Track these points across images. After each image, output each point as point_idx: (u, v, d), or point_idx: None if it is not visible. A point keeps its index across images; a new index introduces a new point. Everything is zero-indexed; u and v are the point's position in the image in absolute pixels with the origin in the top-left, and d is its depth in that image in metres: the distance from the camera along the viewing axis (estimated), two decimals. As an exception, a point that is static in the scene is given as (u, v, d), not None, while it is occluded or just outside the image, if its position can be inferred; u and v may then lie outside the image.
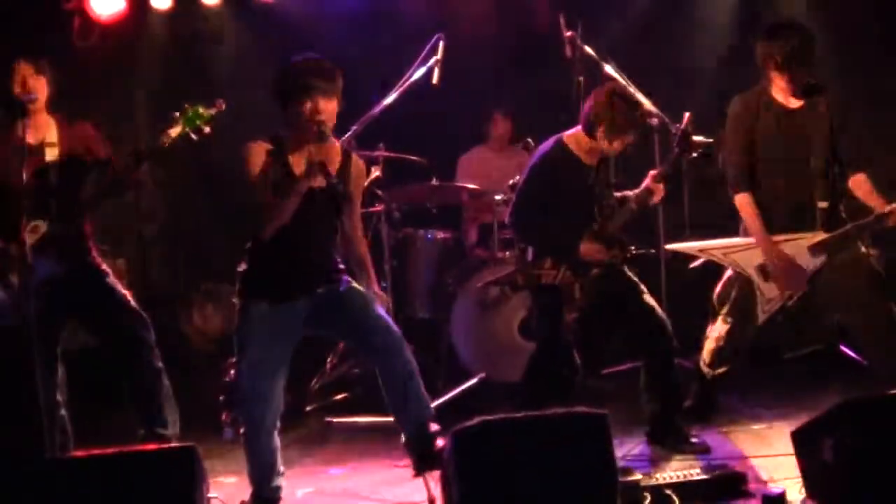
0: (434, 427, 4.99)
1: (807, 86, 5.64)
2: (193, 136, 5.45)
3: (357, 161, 5.24)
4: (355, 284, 5.15)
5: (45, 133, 5.59)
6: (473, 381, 7.10)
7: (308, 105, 4.89)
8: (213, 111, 5.45)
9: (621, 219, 5.66)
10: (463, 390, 7.06)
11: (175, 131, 5.42)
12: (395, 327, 5.06)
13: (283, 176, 4.93)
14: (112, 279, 5.70)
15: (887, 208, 5.52)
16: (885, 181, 5.72)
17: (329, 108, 4.95)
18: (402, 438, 5.08)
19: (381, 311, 5.09)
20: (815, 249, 5.63)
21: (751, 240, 5.75)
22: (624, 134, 5.51)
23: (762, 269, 5.73)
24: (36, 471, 4.29)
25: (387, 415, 5.15)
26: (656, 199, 5.70)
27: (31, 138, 5.47)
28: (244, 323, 5.00)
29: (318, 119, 4.90)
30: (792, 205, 5.69)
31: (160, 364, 5.70)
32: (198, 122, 5.42)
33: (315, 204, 4.92)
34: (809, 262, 5.65)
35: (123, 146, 5.75)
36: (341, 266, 5.17)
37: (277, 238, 4.92)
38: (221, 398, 6.48)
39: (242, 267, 5.06)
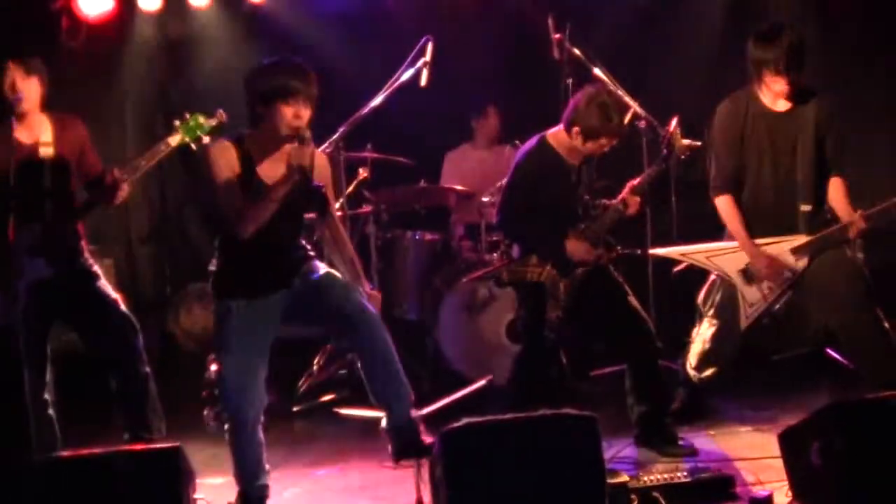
0: (415, 413, 4.97)
1: (795, 89, 5.66)
2: (193, 147, 5.43)
3: (319, 153, 5.15)
4: (331, 271, 5.13)
5: (39, 133, 5.53)
6: (482, 382, 7.03)
7: (290, 109, 4.83)
8: (213, 122, 5.43)
9: (605, 221, 5.67)
10: (467, 393, 6.99)
11: (174, 140, 5.40)
12: (372, 310, 5.02)
13: (250, 179, 4.86)
14: (103, 282, 5.67)
15: (846, 220, 5.55)
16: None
17: (307, 113, 4.88)
18: (383, 423, 5.07)
19: (359, 295, 5.05)
20: (797, 252, 5.65)
21: (733, 244, 5.77)
22: (596, 138, 5.51)
23: (744, 274, 5.75)
24: (23, 470, 4.28)
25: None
26: (632, 210, 5.69)
27: (24, 138, 5.45)
28: (222, 322, 4.96)
29: (297, 124, 4.85)
30: (776, 208, 5.71)
31: (147, 370, 5.68)
32: (198, 133, 5.40)
33: (286, 202, 4.87)
34: (792, 265, 5.68)
35: (112, 149, 5.73)
36: (311, 252, 5.14)
37: (256, 234, 4.88)
38: (204, 394, 6.47)
39: (214, 266, 5.03)
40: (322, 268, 5.12)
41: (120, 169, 5.41)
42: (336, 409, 6.91)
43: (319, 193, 4.96)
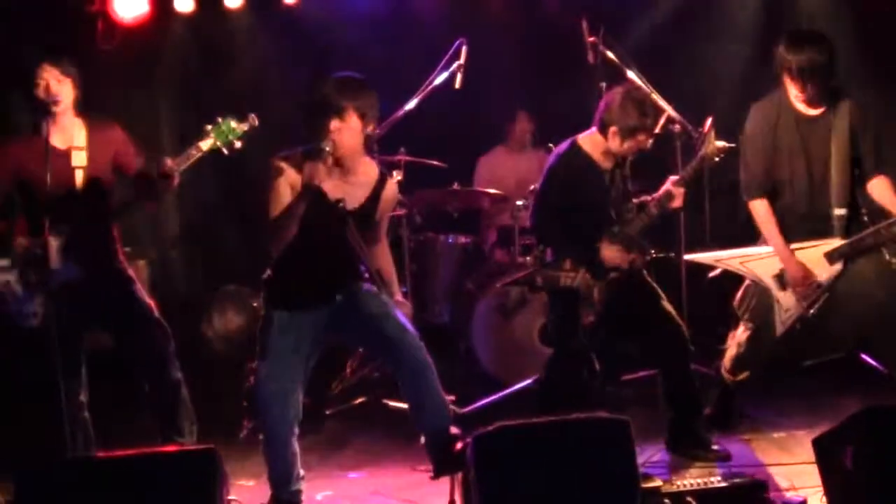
0: (454, 430, 4.99)
1: (814, 97, 5.60)
2: (224, 151, 5.42)
3: (392, 185, 5.22)
4: (372, 289, 5.14)
5: (73, 137, 5.53)
6: (528, 381, 6.95)
7: (334, 123, 4.85)
8: (245, 126, 5.40)
9: (640, 223, 5.66)
10: (515, 391, 6.97)
11: (206, 144, 5.38)
12: (412, 329, 5.07)
13: (314, 195, 4.87)
14: (137, 287, 5.68)
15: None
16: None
17: (350, 127, 4.91)
18: (422, 440, 5.09)
19: (400, 314, 5.10)
20: (831, 256, 5.61)
21: (768, 249, 5.73)
22: (633, 136, 5.52)
23: (779, 279, 5.72)
24: (58, 471, 4.30)
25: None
26: (676, 203, 5.68)
27: (57, 142, 5.44)
28: (265, 331, 5.01)
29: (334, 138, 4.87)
30: (810, 212, 5.67)
31: (179, 375, 5.68)
32: (230, 137, 5.38)
33: (334, 216, 4.89)
34: (826, 270, 5.64)
35: (148, 153, 5.73)
36: (365, 275, 5.15)
37: (298, 248, 4.91)
38: (245, 404, 6.47)
39: (266, 274, 5.08)
40: (367, 287, 5.13)
41: (172, 159, 5.39)
42: (385, 401, 6.89)
43: (339, 210, 4.95)
